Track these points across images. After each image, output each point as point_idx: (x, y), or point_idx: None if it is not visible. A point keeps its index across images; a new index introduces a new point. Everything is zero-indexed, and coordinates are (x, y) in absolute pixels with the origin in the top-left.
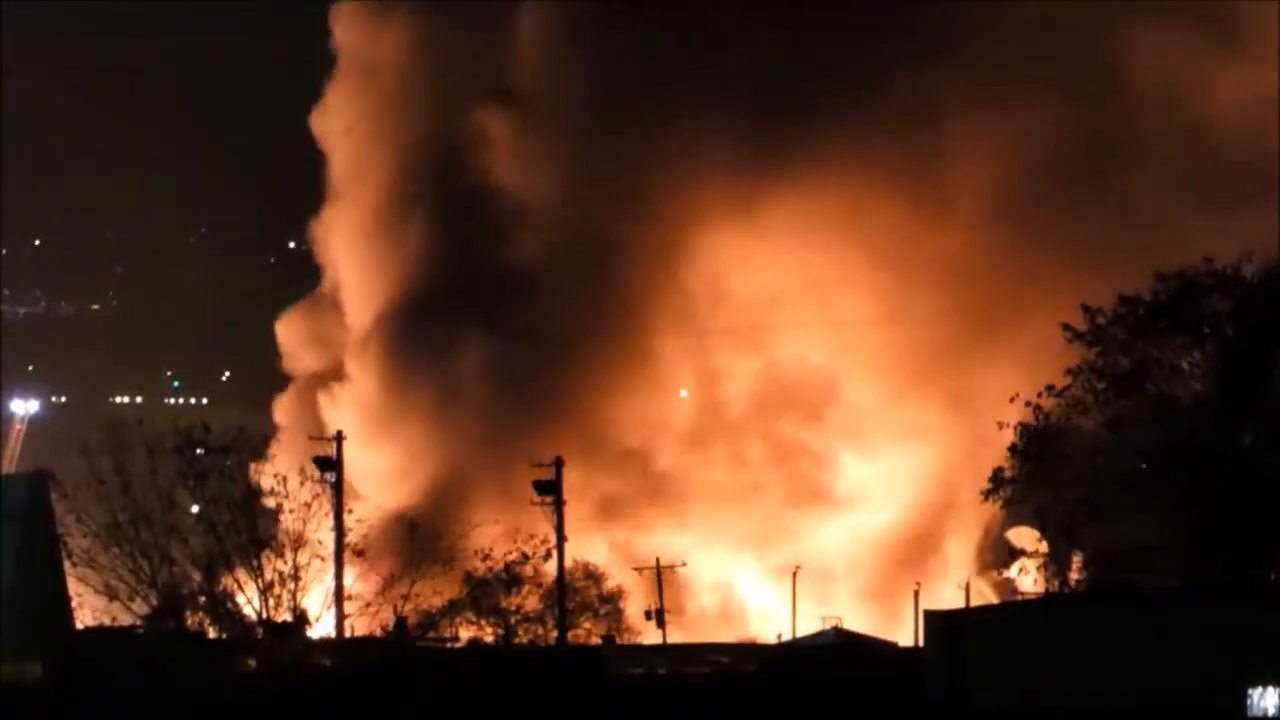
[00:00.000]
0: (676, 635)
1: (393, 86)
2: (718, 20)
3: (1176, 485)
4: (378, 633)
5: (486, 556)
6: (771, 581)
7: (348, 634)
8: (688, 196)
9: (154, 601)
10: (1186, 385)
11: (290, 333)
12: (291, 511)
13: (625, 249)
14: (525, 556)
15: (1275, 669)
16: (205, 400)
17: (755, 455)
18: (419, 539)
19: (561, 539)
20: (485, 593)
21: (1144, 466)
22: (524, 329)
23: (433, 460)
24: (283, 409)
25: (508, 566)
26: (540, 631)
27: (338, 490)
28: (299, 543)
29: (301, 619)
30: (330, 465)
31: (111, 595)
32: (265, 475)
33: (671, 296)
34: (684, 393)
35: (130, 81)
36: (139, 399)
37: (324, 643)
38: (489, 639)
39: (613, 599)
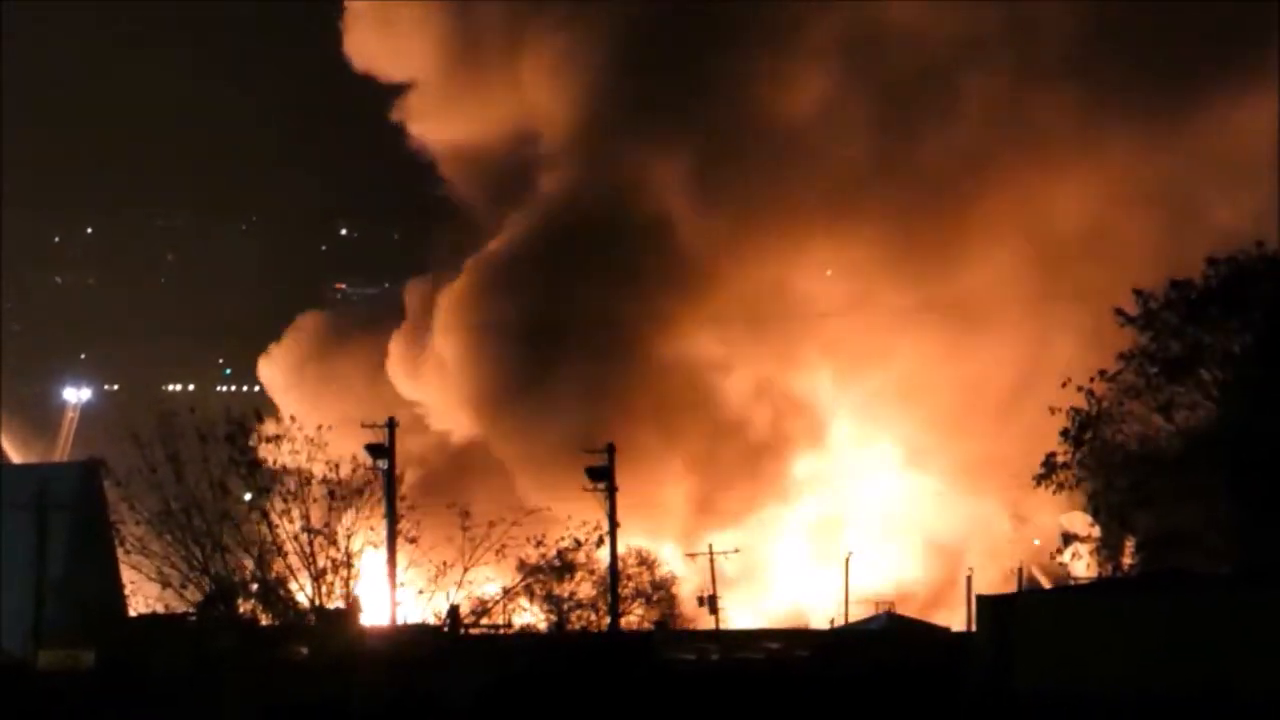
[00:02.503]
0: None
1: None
2: None
3: (1225, 469)
4: (431, 620)
5: (539, 543)
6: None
7: (400, 621)
8: None
9: (207, 589)
10: (1238, 370)
11: None
12: (344, 497)
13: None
14: (578, 543)
15: None
16: (257, 388)
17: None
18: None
19: (614, 525)
20: (538, 580)
21: (1194, 451)
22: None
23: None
24: None
25: (560, 553)
26: (593, 618)
27: (389, 477)
28: (351, 529)
29: (354, 606)
30: (382, 452)
31: (164, 583)
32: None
33: None
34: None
35: (185, 66)
36: (191, 387)
37: (376, 630)
38: (542, 626)
39: (665, 585)
